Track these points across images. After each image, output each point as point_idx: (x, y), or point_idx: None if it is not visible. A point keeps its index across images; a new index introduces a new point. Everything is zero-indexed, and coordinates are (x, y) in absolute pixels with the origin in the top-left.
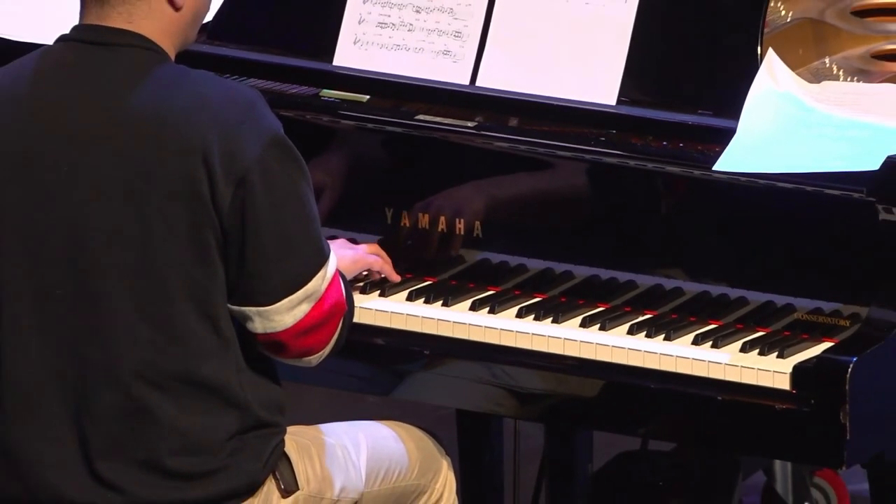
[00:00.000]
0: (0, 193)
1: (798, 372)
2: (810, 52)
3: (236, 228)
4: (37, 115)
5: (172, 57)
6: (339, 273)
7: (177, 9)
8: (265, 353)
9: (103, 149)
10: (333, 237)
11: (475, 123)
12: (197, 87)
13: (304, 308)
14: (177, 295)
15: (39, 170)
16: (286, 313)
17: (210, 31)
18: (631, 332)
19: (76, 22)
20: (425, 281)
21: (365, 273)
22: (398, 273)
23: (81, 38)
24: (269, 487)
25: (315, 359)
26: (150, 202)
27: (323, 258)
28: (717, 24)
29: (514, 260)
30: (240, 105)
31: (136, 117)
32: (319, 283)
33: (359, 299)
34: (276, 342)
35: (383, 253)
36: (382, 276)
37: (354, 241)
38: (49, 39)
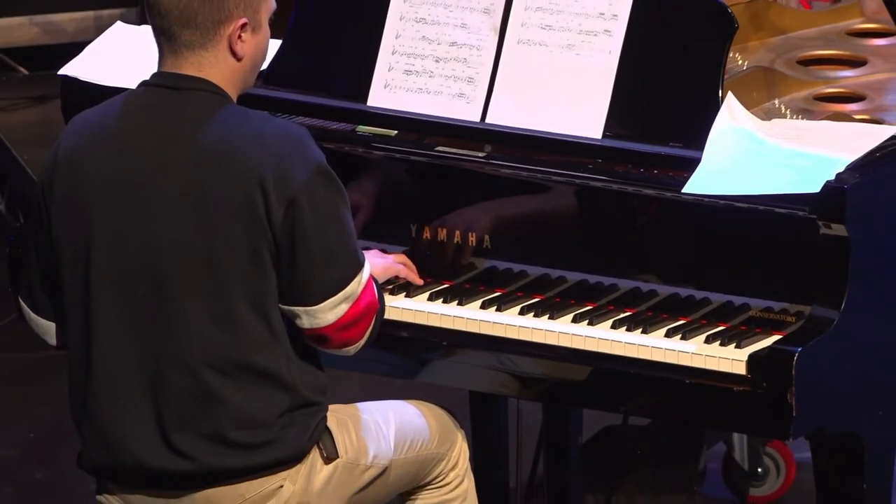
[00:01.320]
0: (91, 212)
1: (752, 360)
2: (763, 94)
3: (287, 242)
4: (122, 146)
5: (234, 99)
6: (372, 278)
7: (238, 59)
8: (310, 345)
9: (176, 175)
10: (367, 248)
11: (485, 154)
12: (254, 124)
13: (344, 307)
14: (237, 297)
15: (123, 193)
16: (328, 312)
17: (265, 77)
18: (614, 326)
19: (155, 70)
20: (443, 284)
21: (394, 278)
22: (422, 276)
23: (159, 84)
24: (314, 455)
25: (353, 349)
26: (215, 219)
27: (358, 266)
28: (685, 71)
29: (516, 267)
30: (290, 140)
31: (204, 149)
32: (356, 286)
33: (388, 299)
34: (320, 336)
35: (409, 261)
36: (408, 280)
37: (385, 251)
38: (132, 84)
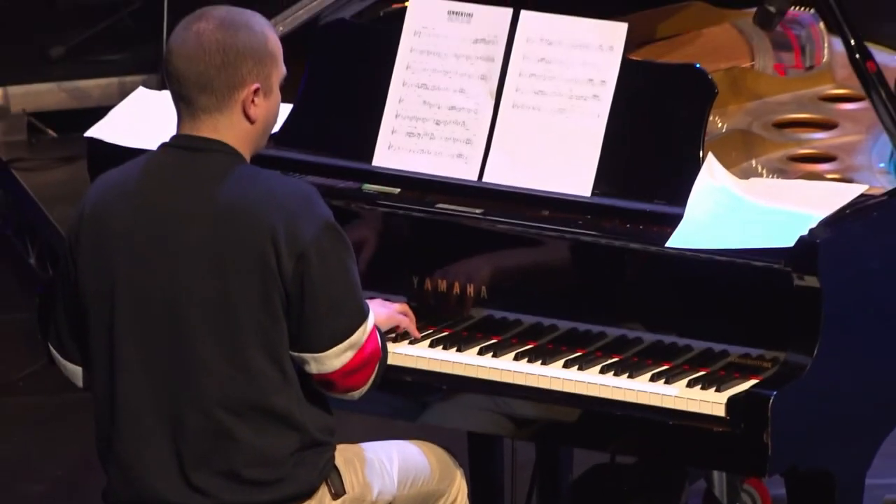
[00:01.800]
0: (114, 264)
1: (731, 403)
2: (741, 155)
3: (297, 293)
4: (143, 204)
5: (248, 159)
6: (376, 327)
7: (251, 122)
8: (319, 389)
9: (194, 230)
10: (372, 297)
11: (482, 211)
12: (266, 182)
13: (349, 354)
14: (251, 343)
15: (144, 246)
16: (335, 358)
17: (277, 139)
18: (602, 371)
19: (174, 132)
20: (443, 332)
21: (395, 326)
22: (423, 324)
23: (178, 145)
24: (323, 491)
25: (357, 394)
26: (230, 271)
27: (363, 316)
28: (668, 133)
29: (511, 316)
30: (300, 197)
31: (219, 206)
32: (361, 335)
33: (392, 346)
34: (327, 381)
35: (410, 312)
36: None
37: (389, 300)
38: (153, 145)
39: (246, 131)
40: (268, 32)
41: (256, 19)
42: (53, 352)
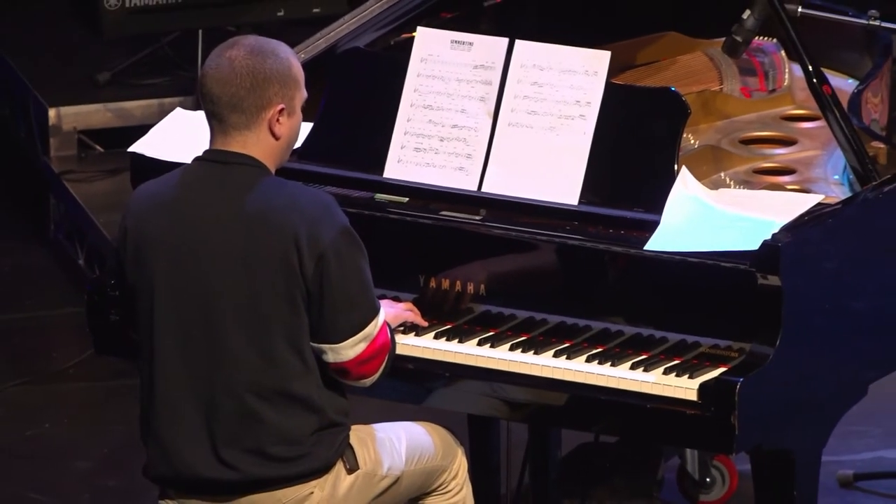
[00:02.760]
0: (154, 267)
1: (702, 388)
2: (711, 168)
3: (316, 290)
4: (179, 212)
5: (273, 171)
6: (386, 322)
7: (276, 138)
8: (334, 377)
9: (224, 234)
10: (384, 295)
11: (481, 217)
12: (290, 192)
13: (362, 346)
14: (275, 335)
15: (180, 250)
16: (350, 349)
17: (300, 154)
18: (588, 360)
19: (206, 146)
20: (446, 325)
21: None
22: (428, 318)
23: (211, 159)
24: (339, 467)
25: (368, 381)
26: (257, 271)
27: (375, 311)
28: (646, 149)
29: (507, 311)
30: (320, 205)
31: (247, 213)
32: (373, 329)
33: (400, 338)
34: (342, 369)
35: (415, 308)
36: (414, 322)
37: (398, 299)
38: (189, 159)
39: (271, 147)
40: (292, 59)
41: (282, 48)
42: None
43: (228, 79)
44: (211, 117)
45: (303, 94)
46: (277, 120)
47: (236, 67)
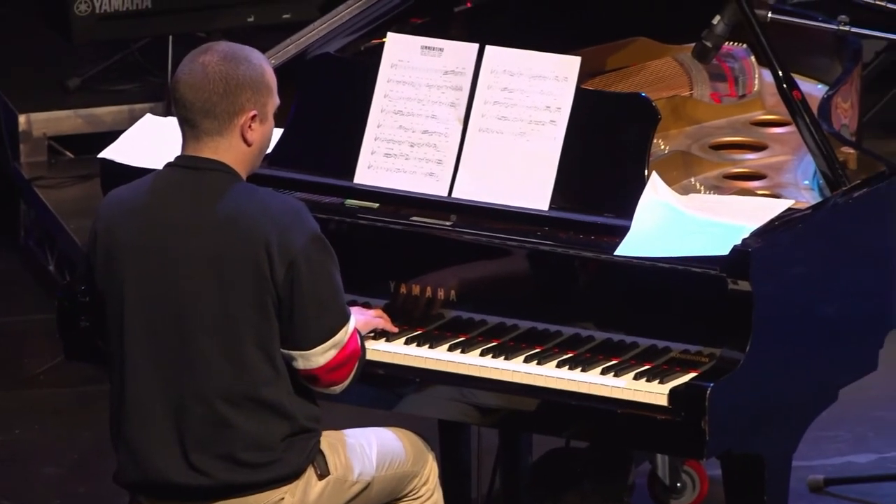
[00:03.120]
0: (124, 270)
1: (673, 393)
2: (681, 173)
3: (287, 297)
4: (150, 218)
5: (244, 178)
6: (356, 330)
7: (248, 145)
8: (304, 384)
9: (196, 240)
10: (354, 301)
11: (451, 223)
12: (261, 198)
13: (332, 352)
14: (246, 341)
15: (151, 254)
16: (320, 356)
17: (270, 159)
18: (558, 365)
19: (177, 152)
20: (417, 330)
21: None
22: (399, 324)
23: (182, 164)
24: (310, 473)
25: (338, 388)
26: (228, 276)
27: (345, 319)
28: (617, 154)
29: (477, 316)
30: (290, 212)
31: (218, 220)
32: (343, 336)
33: (370, 343)
34: (312, 376)
35: (385, 315)
36: (385, 328)
37: (368, 305)
38: (159, 165)
39: (243, 153)
40: (265, 65)
41: (255, 54)
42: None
43: (201, 84)
44: (183, 123)
45: (275, 100)
46: (250, 126)
47: (209, 73)
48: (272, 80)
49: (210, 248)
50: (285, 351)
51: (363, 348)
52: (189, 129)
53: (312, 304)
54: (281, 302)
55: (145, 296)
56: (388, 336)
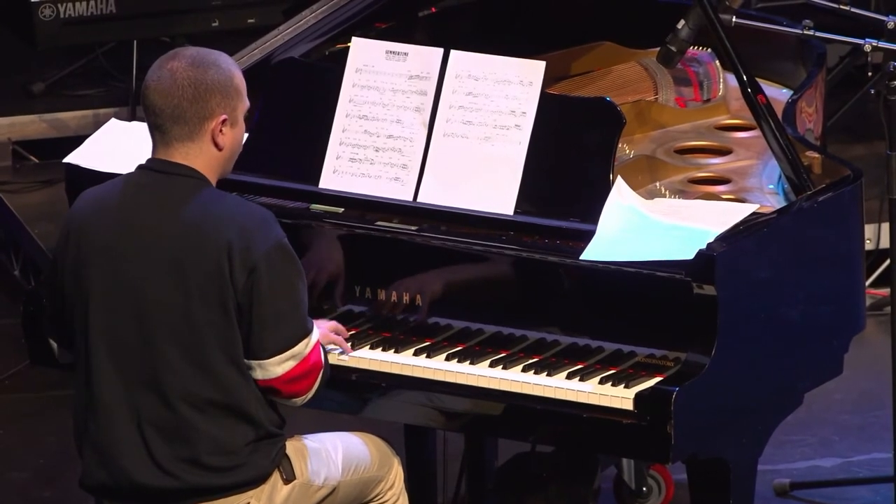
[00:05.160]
0: (91, 271)
1: (638, 398)
2: (646, 178)
3: (246, 303)
4: (119, 218)
5: (214, 182)
6: (319, 343)
7: (220, 149)
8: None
9: (161, 243)
10: (332, 308)
11: (416, 228)
12: (227, 204)
13: (291, 364)
14: (210, 346)
15: (117, 256)
16: (277, 366)
17: (235, 164)
18: (524, 370)
19: (142, 157)
20: (382, 335)
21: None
22: (364, 328)
23: (152, 168)
24: (276, 477)
25: (299, 401)
26: (191, 280)
27: (306, 331)
28: (582, 158)
29: (443, 321)
30: (256, 219)
31: (184, 223)
32: (303, 347)
33: (335, 349)
34: (270, 387)
35: (342, 328)
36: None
37: (333, 309)
38: (124, 169)
39: (214, 157)
40: (233, 70)
41: (224, 58)
42: (53, 342)
43: (170, 90)
44: (154, 129)
45: (245, 104)
46: (220, 131)
47: (178, 79)
48: (241, 83)
49: (174, 253)
50: (245, 361)
51: (326, 362)
52: (160, 134)
53: (271, 312)
54: (241, 308)
55: (110, 296)
56: (354, 342)
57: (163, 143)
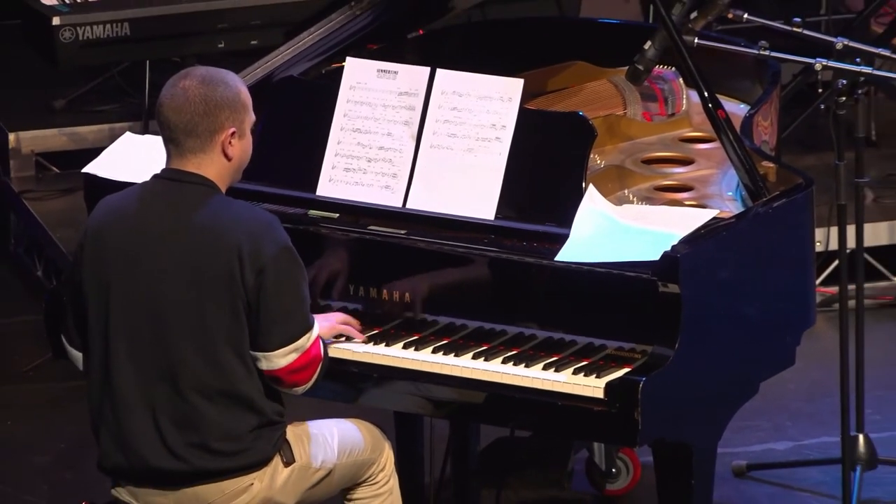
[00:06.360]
0: (110, 272)
1: (609, 387)
2: (616, 186)
3: (255, 302)
4: (136, 223)
5: (224, 190)
6: (319, 337)
7: (229, 160)
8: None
9: (174, 246)
10: (328, 305)
11: (405, 232)
12: (236, 210)
13: (293, 356)
14: (219, 340)
15: (135, 258)
16: (281, 358)
17: (243, 173)
18: (504, 362)
19: (156, 167)
20: (374, 330)
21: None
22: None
23: (167, 177)
24: (276, 461)
25: (300, 390)
26: (203, 280)
27: (308, 327)
28: (557, 168)
29: (430, 317)
30: (263, 224)
31: (196, 227)
32: (305, 341)
33: (332, 342)
34: (274, 377)
35: (352, 320)
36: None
37: (329, 308)
38: (138, 179)
39: (225, 167)
40: (240, 86)
41: (231, 76)
42: (63, 341)
43: (183, 107)
44: (168, 142)
45: (252, 117)
46: (230, 142)
47: (190, 96)
48: (248, 98)
49: (187, 255)
50: (251, 352)
51: (326, 355)
52: (174, 147)
53: (277, 309)
54: (249, 305)
55: (127, 295)
56: (348, 335)
57: (177, 154)
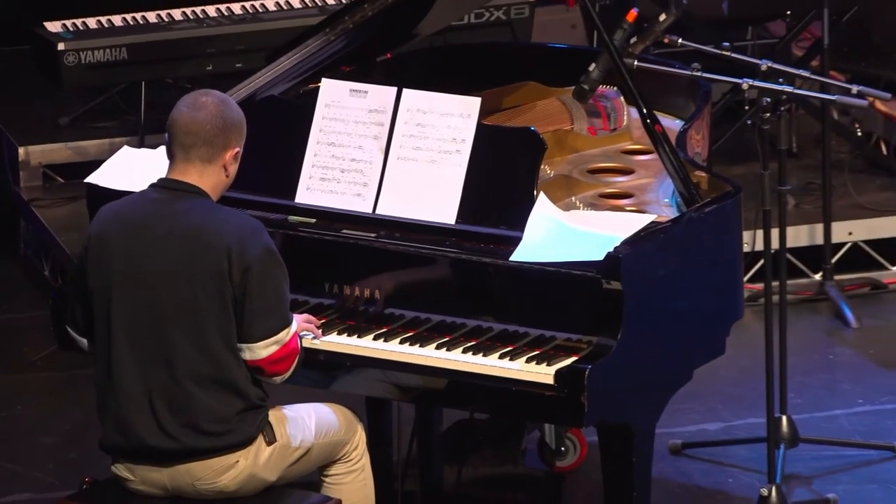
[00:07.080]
0: (111, 272)
1: (558, 374)
2: (564, 193)
3: (240, 297)
4: (135, 228)
5: (216, 199)
6: (297, 333)
7: (227, 176)
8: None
9: (171, 249)
10: (296, 300)
11: (375, 235)
12: (225, 216)
13: (274, 348)
14: (211, 332)
15: (134, 259)
16: (263, 349)
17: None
18: (464, 352)
19: (151, 177)
20: (347, 323)
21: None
22: (333, 317)
23: (166, 186)
24: (260, 440)
25: (279, 380)
26: (197, 279)
27: (288, 322)
28: (511, 177)
29: (397, 311)
30: (249, 228)
31: (189, 232)
32: (285, 335)
33: (309, 335)
34: (257, 367)
35: (313, 318)
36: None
37: (307, 303)
38: (134, 188)
39: (221, 182)
40: (242, 113)
41: (235, 103)
42: (69, 329)
43: (204, 118)
44: (178, 148)
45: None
46: (231, 161)
47: (210, 111)
48: (245, 125)
49: (182, 256)
50: (237, 343)
51: (302, 348)
52: (182, 153)
53: (260, 305)
54: (236, 302)
55: (127, 293)
56: (324, 328)
57: (182, 160)
